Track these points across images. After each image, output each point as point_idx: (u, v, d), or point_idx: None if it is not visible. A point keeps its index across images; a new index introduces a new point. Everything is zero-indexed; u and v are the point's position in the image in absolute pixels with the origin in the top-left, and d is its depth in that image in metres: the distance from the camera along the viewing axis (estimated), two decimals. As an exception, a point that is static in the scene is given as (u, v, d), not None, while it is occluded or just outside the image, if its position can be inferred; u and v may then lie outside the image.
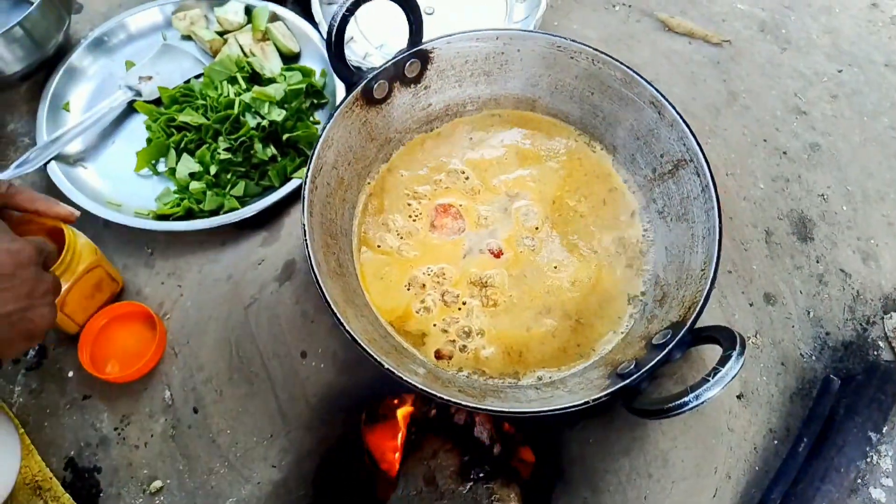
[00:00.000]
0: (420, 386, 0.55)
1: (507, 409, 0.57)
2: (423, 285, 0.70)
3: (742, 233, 0.83)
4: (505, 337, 0.68)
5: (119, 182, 0.83)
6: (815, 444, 0.72)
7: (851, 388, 0.74)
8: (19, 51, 0.84)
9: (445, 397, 0.56)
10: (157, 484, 0.68)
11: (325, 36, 0.92)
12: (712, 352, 0.69)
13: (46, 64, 0.90)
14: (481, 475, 0.71)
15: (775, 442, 0.73)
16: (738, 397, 0.74)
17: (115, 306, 0.73)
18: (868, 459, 0.71)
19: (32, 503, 0.66)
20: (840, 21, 1.03)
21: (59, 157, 0.82)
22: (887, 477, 0.71)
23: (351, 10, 0.63)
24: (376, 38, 0.94)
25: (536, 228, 0.73)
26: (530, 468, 0.78)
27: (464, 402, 0.56)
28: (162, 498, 0.67)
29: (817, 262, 0.82)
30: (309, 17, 0.94)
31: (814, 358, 0.77)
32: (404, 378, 0.55)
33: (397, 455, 0.83)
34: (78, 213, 0.63)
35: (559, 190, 0.76)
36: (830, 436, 0.72)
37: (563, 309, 0.69)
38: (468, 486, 0.71)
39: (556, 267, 0.71)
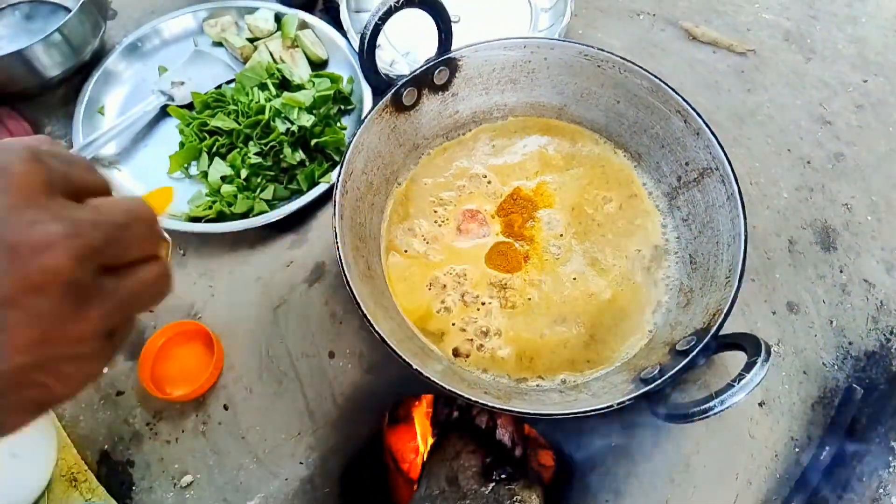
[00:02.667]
0: (447, 387, 0.56)
1: (531, 411, 0.58)
2: (444, 286, 0.71)
3: (765, 242, 0.83)
4: (520, 340, 0.69)
5: (152, 184, 0.86)
6: (837, 453, 0.72)
7: (874, 397, 0.74)
8: (58, 56, 0.87)
9: (472, 398, 0.57)
10: (188, 478, 0.69)
11: (352, 43, 0.94)
12: (735, 359, 0.69)
13: (83, 68, 0.92)
14: (503, 476, 0.72)
15: (797, 450, 0.73)
16: (760, 405, 0.74)
17: (172, 325, 0.75)
18: (891, 469, 0.71)
19: (69, 494, 0.68)
20: (866, 31, 1.03)
21: (95, 160, 0.85)
22: (910, 487, 0.71)
23: (383, 19, 0.64)
24: (403, 45, 0.95)
25: (561, 235, 0.74)
26: (551, 472, 0.79)
27: (490, 403, 0.57)
28: (192, 492, 0.69)
29: (840, 271, 0.82)
30: (337, 24, 0.96)
31: (836, 367, 0.77)
32: (432, 379, 0.57)
33: (418, 456, 0.84)
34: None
35: (581, 197, 0.77)
36: (853, 445, 0.72)
37: (578, 321, 0.70)
38: (490, 487, 0.72)
39: (575, 278, 0.72)
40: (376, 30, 0.65)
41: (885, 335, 0.79)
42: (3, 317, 0.26)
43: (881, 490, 0.71)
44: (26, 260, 0.26)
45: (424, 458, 0.80)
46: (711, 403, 0.53)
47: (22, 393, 0.28)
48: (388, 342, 0.57)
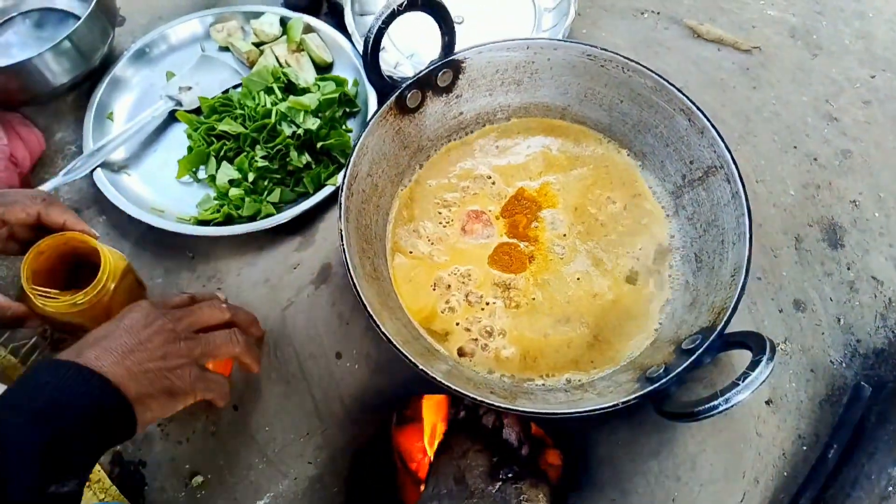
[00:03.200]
0: (453, 387, 0.57)
1: (537, 411, 0.58)
2: (449, 286, 0.72)
3: (772, 239, 0.83)
4: (524, 339, 0.69)
5: (161, 189, 0.87)
6: (845, 451, 0.72)
7: (883, 395, 0.74)
8: (67, 63, 0.88)
9: (478, 398, 0.57)
10: (199, 479, 0.70)
11: (357, 46, 0.94)
12: (741, 358, 0.69)
13: (92, 75, 0.93)
14: (510, 475, 0.73)
15: (804, 448, 0.73)
16: (767, 403, 0.74)
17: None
18: (900, 467, 0.71)
19: (83, 494, 0.69)
20: (874, 26, 1.02)
21: (105, 165, 0.86)
22: (920, 485, 0.71)
23: (387, 23, 0.65)
24: (407, 47, 0.96)
25: (564, 235, 0.75)
26: (558, 471, 0.79)
27: (496, 403, 0.57)
28: (203, 492, 0.70)
29: (848, 269, 0.82)
30: (342, 28, 0.96)
31: (844, 365, 0.77)
32: (438, 379, 0.57)
33: (426, 456, 0.85)
34: (97, 235, 0.67)
35: (585, 197, 0.77)
36: (861, 443, 0.72)
37: (582, 321, 0.70)
38: (497, 486, 0.72)
39: (578, 278, 0.72)
40: (380, 33, 0.65)
41: (893, 332, 0.78)
42: (147, 347, 0.56)
43: (890, 488, 0.71)
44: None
45: (432, 458, 0.81)
46: (716, 402, 0.53)
47: (161, 382, 0.55)
48: (394, 342, 0.58)
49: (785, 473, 0.71)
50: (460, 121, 0.79)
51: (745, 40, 0.99)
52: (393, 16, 0.65)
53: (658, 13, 1.03)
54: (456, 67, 0.74)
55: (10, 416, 0.47)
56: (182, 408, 0.57)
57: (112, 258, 0.67)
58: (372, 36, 0.66)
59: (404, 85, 0.71)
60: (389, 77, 0.71)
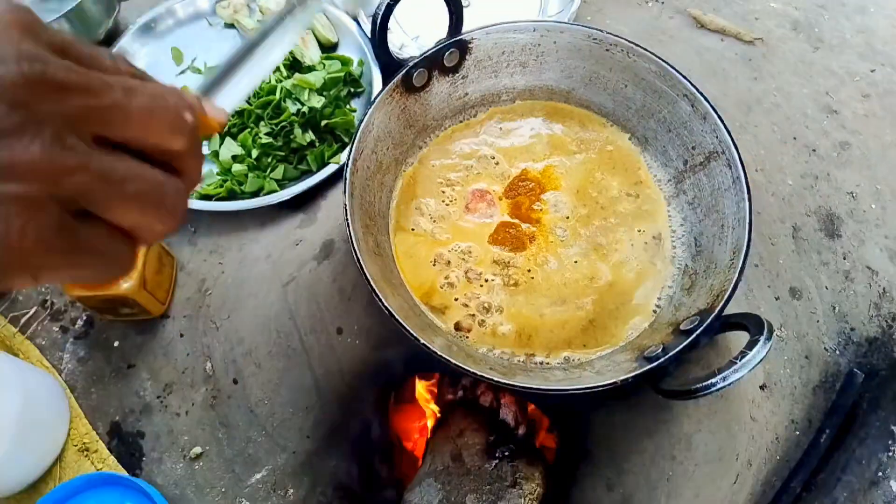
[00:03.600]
0: (453, 361, 0.58)
1: (535, 387, 0.59)
2: (449, 262, 0.72)
3: (770, 228, 0.84)
4: (520, 317, 0.70)
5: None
6: (837, 436, 0.73)
7: (875, 382, 0.75)
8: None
9: (477, 373, 0.58)
10: (197, 450, 0.71)
11: (363, 26, 0.94)
12: (737, 342, 0.70)
13: (96, 48, 0.93)
14: (506, 454, 0.74)
15: (797, 433, 0.74)
16: (762, 388, 0.75)
17: None
18: (890, 453, 0.72)
19: (80, 464, 0.70)
20: (874, 21, 1.03)
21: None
22: (909, 471, 0.72)
23: (395, 0, 0.65)
24: (412, 29, 0.96)
25: (567, 218, 0.75)
26: (553, 452, 0.80)
27: (495, 378, 0.58)
28: (201, 464, 0.70)
29: (844, 258, 0.83)
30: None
31: (838, 352, 0.78)
32: (438, 353, 0.58)
33: (423, 435, 0.85)
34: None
35: (587, 180, 0.77)
36: (852, 428, 0.73)
37: (578, 303, 0.71)
38: (493, 464, 0.73)
39: (576, 261, 0.73)
40: (388, 10, 0.66)
41: (886, 322, 0.80)
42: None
43: (880, 473, 0.72)
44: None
45: (429, 436, 0.81)
46: (714, 380, 0.54)
47: None
48: (396, 316, 0.58)
49: (778, 457, 0.73)
50: (465, 101, 0.80)
51: (748, 31, 1.00)
52: (402, -7, 0.65)
53: (662, 2, 1.04)
54: (463, 48, 0.74)
55: None
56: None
57: None
58: (380, 13, 0.66)
59: (411, 63, 0.71)
60: (396, 56, 0.71)
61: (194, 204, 0.80)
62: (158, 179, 0.28)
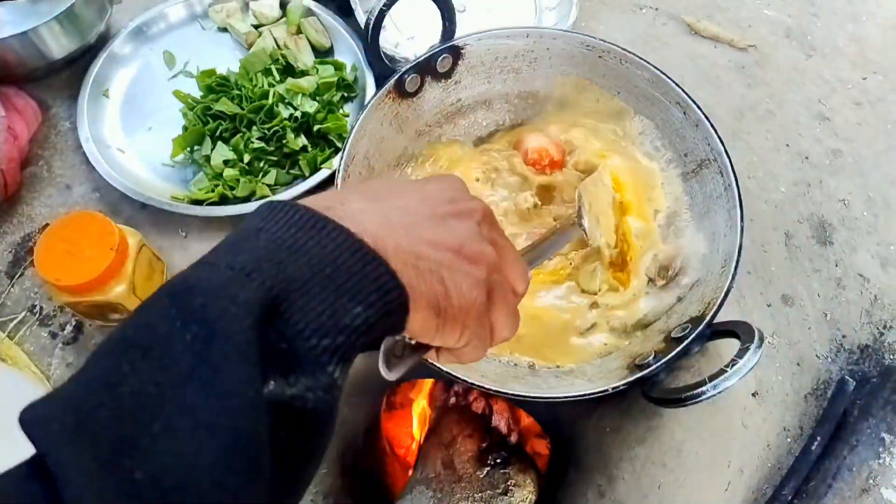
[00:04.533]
0: (445, 368, 0.57)
1: (527, 394, 0.59)
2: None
3: (762, 235, 0.84)
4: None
5: (155, 167, 0.86)
6: (829, 443, 0.73)
7: (866, 390, 0.75)
8: (63, 38, 0.87)
9: (468, 380, 0.58)
10: (187, 456, 0.70)
11: (359, 18, 0.94)
12: (730, 349, 0.70)
13: (88, 51, 0.93)
14: (498, 461, 0.73)
15: (788, 440, 0.74)
16: (753, 395, 0.75)
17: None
18: (881, 461, 0.72)
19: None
20: (867, 29, 1.04)
21: (97, 141, 0.85)
22: (900, 479, 0.72)
23: (388, 5, 0.65)
24: (407, 29, 0.96)
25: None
26: (546, 460, 0.80)
27: (486, 386, 0.58)
28: (191, 470, 0.70)
29: (836, 266, 0.83)
30: (342, 12, 0.96)
31: (829, 359, 0.78)
32: (428, 360, 0.57)
33: (414, 442, 0.85)
34: None
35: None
36: (844, 435, 0.73)
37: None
38: (485, 471, 0.73)
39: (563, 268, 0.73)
40: (381, 15, 0.66)
41: (878, 329, 0.80)
42: (440, 228, 0.36)
43: (871, 480, 0.72)
44: (459, 206, 0.38)
45: (421, 443, 0.81)
46: (704, 388, 0.54)
47: (431, 279, 0.34)
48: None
49: (769, 464, 0.73)
50: (458, 107, 0.80)
51: (742, 38, 1.00)
52: (394, -1, 0.65)
53: (656, 9, 1.04)
54: (455, 53, 0.74)
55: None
56: (439, 342, 0.37)
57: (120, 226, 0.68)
58: (373, 18, 0.66)
59: (404, 69, 0.71)
60: (390, 58, 0.71)
61: (186, 209, 0.80)
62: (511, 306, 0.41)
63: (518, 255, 0.42)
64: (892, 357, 0.78)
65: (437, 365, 0.56)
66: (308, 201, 0.33)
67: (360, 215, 0.33)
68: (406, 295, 0.32)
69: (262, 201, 0.79)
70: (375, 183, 0.39)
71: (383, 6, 0.65)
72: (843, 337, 0.79)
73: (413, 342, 0.38)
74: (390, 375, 0.37)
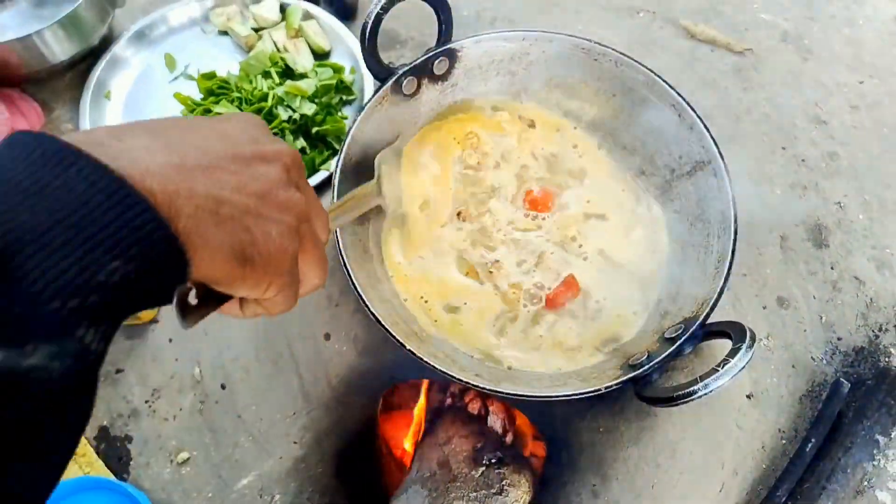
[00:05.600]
0: (440, 368, 0.58)
1: (521, 393, 0.59)
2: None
3: (757, 237, 0.84)
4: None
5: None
6: (823, 445, 0.73)
7: (861, 392, 0.75)
8: (66, 41, 0.88)
9: (464, 380, 0.58)
10: (185, 455, 0.71)
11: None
12: (722, 350, 0.70)
13: (91, 54, 0.94)
14: (493, 461, 0.74)
15: (783, 441, 0.74)
16: (748, 397, 0.75)
17: None
18: (875, 462, 0.73)
19: (68, 468, 0.70)
20: (863, 33, 1.04)
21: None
22: (894, 480, 0.72)
23: (385, 9, 0.66)
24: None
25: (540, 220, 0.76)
26: (541, 461, 0.80)
27: (481, 385, 0.58)
28: (188, 468, 0.70)
29: (832, 268, 0.83)
30: (341, 15, 0.97)
31: (825, 362, 0.78)
32: (424, 359, 0.58)
33: (409, 443, 0.85)
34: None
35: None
36: (838, 437, 0.73)
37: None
38: (480, 471, 0.73)
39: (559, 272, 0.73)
40: (378, 19, 0.66)
41: (873, 331, 0.80)
42: (245, 171, 0.34)
43: (865, 482, 0.73)
44: (265, 148, 0.36)
45: (416, 443, 0.81)
46: (695, 387, 0.54)
47: (234, 227, 0.31)
48: (382, 322, 0.59)
49: (763, 465, 0.73)
50: (454, 109, 0.80)
51: (739, 42, 1.01)
52: (391, 2, 0.66)
53: (654, 13, 1.05)
54: (452, 56, 0.75)
55: None
56: (244, 293, 0.34)
57: None
58: (370, 21, 0.67)
59: (401, 71, 0.72)
60: (388, 63, 0.72)
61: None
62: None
63: (321, 204, 0.41)
64: (887, 359, 0.79)
65: (427, 361, 0.57)
66: (76, 136, 0.28)
67: (141, 153, 0.29)
68: (181, 244, 0.28)
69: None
70: (168, 119, 0.34)
71: (380, 10, 0.66)
72: (839, 339, 0.79)
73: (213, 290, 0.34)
74: (185, 325, 0.35)
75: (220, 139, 0.34)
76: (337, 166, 0.66)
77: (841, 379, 0.77)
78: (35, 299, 0.24)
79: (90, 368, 0.26)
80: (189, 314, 0.35)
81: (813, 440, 0.74)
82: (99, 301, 0.25)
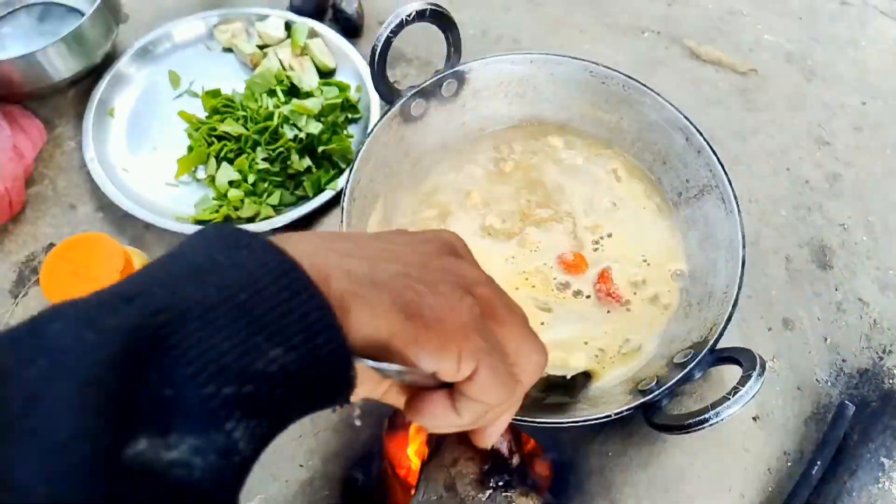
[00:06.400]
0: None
1: (530, 419, 0.59)
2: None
3: (762, 259, 0.85)
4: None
5: (160, 187, 0.87)
6: (829, 468, 0.73)
7: (866, 414, 0.76)
8: (69, 58, 0.88)
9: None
10: (189, 478, 0.70)
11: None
12: (730, 373, 0.71)
13: (94, 71, 0.94)
14: (501, 484, 0.73)
15: (789, 464, 0.74)
16: (754, 419, 0.75)
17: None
18: (880, 486, 0.73)
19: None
20: (866, 54, 1.05)
21: (102, 161, 0.86)
22: (900, 505, 0.72)
23: (395, 32, 0.66)
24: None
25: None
26: (548, 483, 0.80)
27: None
28: (193, 492, 0.70)
29: (836, 290, 0.84)
30: (347, 34, 0.97)
31: (829, 383, 0.78)
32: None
33: (415, 465, 0.85)
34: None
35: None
36: (843, 460, 0.73)
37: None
38: (487, 494, 0.73)
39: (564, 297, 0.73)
40: (387, 42, 0.66)
41: (878, 353, 0.80)
42: (407, 245, 0.32)
43: (871, 506, 0.73)
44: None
45: (423, 464, 0.81)
46: (707, 415, 0.54)
47: (393, 284, 0.28)
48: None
49: (770, 489, 0.73)
50: (463, 131, 0.80)
51: (743, 63, 1.02)
52: (401, 25, 0.66)
53: (659, 33, 1.05)
54: (460, 78, 0.75)
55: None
56: (431, 365, 0.28)
57: (131, 251, 0.69)
58: (379, 45, 0.67)
59: (409, 94, 0.72)
60: (395, 83, 0.72)
61: (190, 229, 0.80)
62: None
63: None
64: (891, 381, 0.79)
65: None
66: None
67: (311, 247, 0.28)
68: (343, 337, 0.25)
69: (267, 222, 0.80)
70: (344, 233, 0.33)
71: (390, 33, 0.66)
72: (843, 361, 0.79)
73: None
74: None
75: (374, 236, 0.35)
76: (345, 190, 0.66)
77: (846, 401, 0.77)
78: (188, 382, 0.21)
79: (234, 473, 0.23)
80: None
81: (819, 463, 0.74)
82: (254, 392, 0.23)
